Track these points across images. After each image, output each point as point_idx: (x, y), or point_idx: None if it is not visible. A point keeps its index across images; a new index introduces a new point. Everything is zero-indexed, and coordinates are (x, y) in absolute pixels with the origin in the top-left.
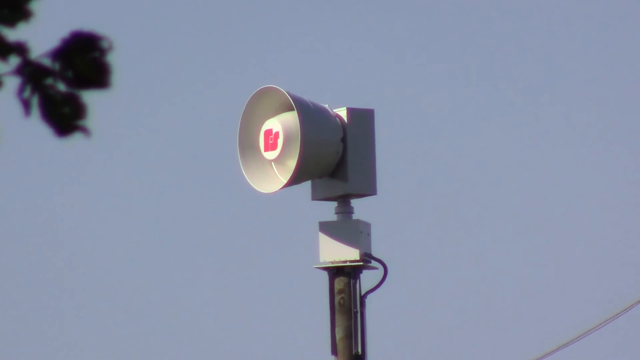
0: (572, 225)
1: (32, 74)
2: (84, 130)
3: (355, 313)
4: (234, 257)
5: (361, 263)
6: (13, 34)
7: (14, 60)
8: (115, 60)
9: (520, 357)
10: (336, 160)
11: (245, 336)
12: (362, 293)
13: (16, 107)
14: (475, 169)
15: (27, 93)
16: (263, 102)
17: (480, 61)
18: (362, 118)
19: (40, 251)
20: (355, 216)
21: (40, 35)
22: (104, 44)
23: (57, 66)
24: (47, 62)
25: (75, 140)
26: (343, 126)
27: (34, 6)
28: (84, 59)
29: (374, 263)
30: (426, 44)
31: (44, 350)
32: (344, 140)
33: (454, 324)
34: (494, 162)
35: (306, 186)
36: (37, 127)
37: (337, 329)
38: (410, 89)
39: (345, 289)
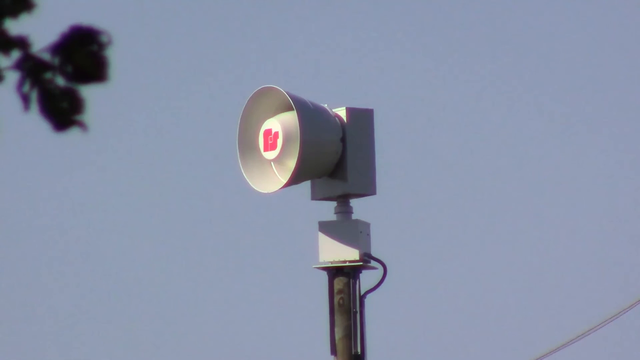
0: (572, 225)
1: (31, 69)
2: (81, 125)
3: (355, 313)
4: (233, 257)
5: (361, 263)
6: (15, 27)
7: (15, 55)
8: (114, 55)
9: (520, 357)
10: (336, 160)
11: (245, 336)
12: (362, 293)
13: (16, 101)
14: (475, 168)
15: (26, 87)
16: (262, 102)
17: (480, 61)
18: (362, 118)
19: (37, 246)
20: (354, 216)
21: (41, 29)
22: (103, 39)
23: (56, 61)
24: (46, 56)
25: (73, 135)
26: (342, 126)
27: None
28: (83, 52)
29: (373, 263)
30: (426, 43)
31: (44, 350)
32: (343, 140)
33: (454, 323)
34: (494, 161)
35: (306, 186)
36: (35, 121)
37: (336, 329)
38: (410, 88)
39: (345, 289)
